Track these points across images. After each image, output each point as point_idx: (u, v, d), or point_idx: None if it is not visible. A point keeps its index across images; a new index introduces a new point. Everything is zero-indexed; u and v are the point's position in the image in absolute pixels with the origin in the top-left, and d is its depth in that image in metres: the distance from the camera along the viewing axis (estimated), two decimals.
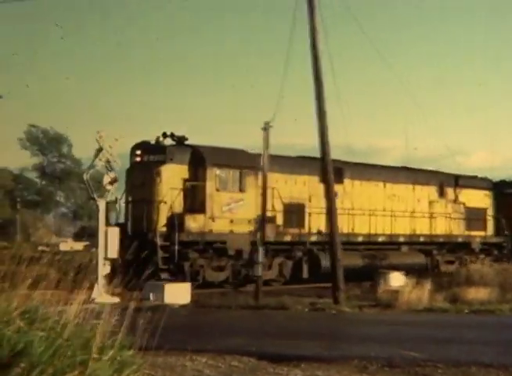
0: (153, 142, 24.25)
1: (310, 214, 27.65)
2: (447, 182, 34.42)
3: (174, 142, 24.67)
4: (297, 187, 27.71)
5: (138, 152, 24.26)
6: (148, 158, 24.19)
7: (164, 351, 9.66)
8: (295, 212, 27.36)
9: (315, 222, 27.64)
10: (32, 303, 6.83)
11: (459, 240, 34.44)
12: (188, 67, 72.75)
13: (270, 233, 25.17)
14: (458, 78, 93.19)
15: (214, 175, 24.69)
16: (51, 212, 72.32)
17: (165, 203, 23.64)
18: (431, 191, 33.55)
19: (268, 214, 25.11)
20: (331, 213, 21.17)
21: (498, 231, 36.63)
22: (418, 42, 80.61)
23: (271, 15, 71.04)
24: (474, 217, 35.39)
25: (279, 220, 26.68)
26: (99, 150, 20.31)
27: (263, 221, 23.23)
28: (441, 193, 33.89)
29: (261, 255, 21.76)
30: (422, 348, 11.99)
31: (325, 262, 26.29)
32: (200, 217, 24.25)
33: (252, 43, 74.40)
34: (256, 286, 21.52)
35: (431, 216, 33.26)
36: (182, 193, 24.16)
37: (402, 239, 31.46)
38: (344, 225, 28.27)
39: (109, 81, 69.76)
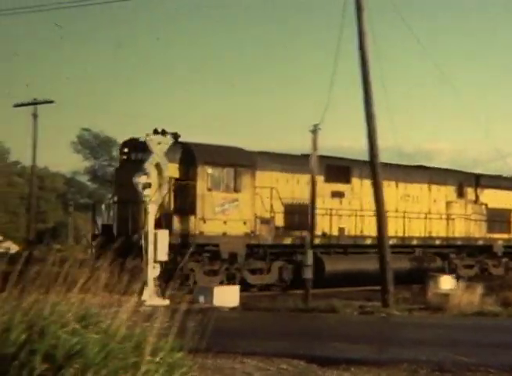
0: (143, 139, 22.11)
1: (314, 215, 25.96)
2: (467, 181, 32.65)
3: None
4: (300, 187, 26.10)
5: (126, 150, 23.13)
6: (136, 156, 22.56)
7: (213, 353, 9.74)
8: (297, 213, 25.66)
9: (320, 224, 26.20)
10: (85, 306, 6.95)
11: (480, 242, 32.60)
12: (234, 70, 73.15)
13: (267, 235, 24.36)
14: (509, 80, 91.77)
15: (205, 174, 23.37)
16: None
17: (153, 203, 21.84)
18: (449, 191, 31.91)
19: (266, 215, 24.35)
20: (380, 216, 21.00)
21: None
22: (468, 43, 79.72)
23: (319, 16, 71.00)
24: (497, 219, 33.55)
25: (279, 221, 25.38)
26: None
27: (312, 223, 23.06)
28: (461, 194, 32.14)
29: (309, 258, 21.70)
30: (473, 352, 11.84)
31: (329, 266, 25.80)
32: (189, 218, 22.96)
33: (302, 44, 74.52)
34: (305, 288, 21.49)
35: (449, 218, 31.57)
36: (171, 193, 22.69)
37: (415, 242, 29.98)
38: (351, 227, 27.67)
39: (154, 85, 70.60)
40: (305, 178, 25.03)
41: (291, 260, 25.69)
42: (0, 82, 61.89)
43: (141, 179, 20.35)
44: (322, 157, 25.05)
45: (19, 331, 5.94)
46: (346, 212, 27.71)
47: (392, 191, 29.03)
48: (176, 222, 22.65)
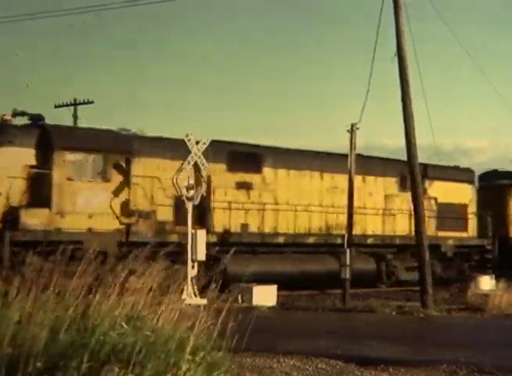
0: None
1: (214, 209, 23.02)
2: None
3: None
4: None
5: None
6: None
7: (251, 352, 9.83)
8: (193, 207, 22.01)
9: (219, 220, 23.06)
10: (131, 306, 7.08)
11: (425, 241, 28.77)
12: (268, 70, 73.26)
13: (146, 231, 21.22)
14: None
15: (62, 161, 20.29)
16: None
17: (0, 194, 19.55)
18: (389, 183, 28.09)
19: (146, 208, 21.43)
20: (417, 214, 20.87)
21: (483, 232, 30.69)
22: (505, 39, 78.86)
23: (357, 15, 70.77)
24: (449, 215, 29.44)
25: (164, 216, 21.95)
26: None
27: (350, 223, 22.97)
28: (403, 186, 27.59)
29: (348, 257, 21.66)
30: None
31: (231, 266, 21.55)
32: (42, 212, 19.85)
33: (340, 43, 74.36)
34: (343, 288, 21.47)
35: (389, 213, 27.80)
36: (24, 183, 19.91)
37: (341, 240, 24.41)
38: (262, 223, 24.17)
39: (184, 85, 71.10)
40: None
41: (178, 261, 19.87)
42: (43, 84, 62.70)
43: (184, 181, 20.28)
44: (222, 143, 23.06)
45: (69, 331, 6.08)
46: (254, 206, 24.21)
47: (316, 182, 25.83)
48: (25, 217, 19.54)
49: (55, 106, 43.14)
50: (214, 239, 22.50)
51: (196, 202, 21.00)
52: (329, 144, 42.80)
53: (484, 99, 76.74)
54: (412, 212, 25.91)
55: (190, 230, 20.33)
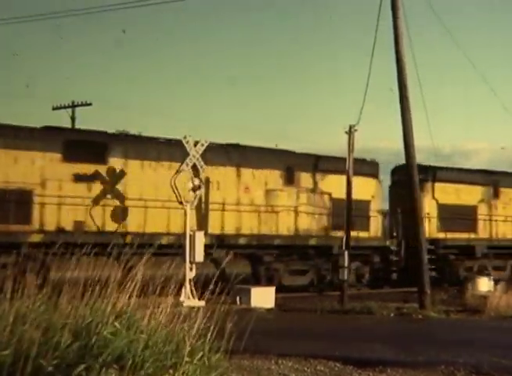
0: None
1: (42, 204, 20.39)
2: (300, 164, 25.55)
3: None
4: (20, 167, 20.13)
5: None
6: None
7: (249, 354, 9.82)
8: (13, 202, 19.88)
9: (52, 216, 20.49)
10: (122, 306, 7.07)
11: (312, 242, 25.35)
12: (273, 71, 73.26)
13: None
14: None
15: None
16: None
17: None
18: (271, 177, 24.88)
19: None
20: (417, 216, 20.86)
21: (390, 231, 28.21)
22: (505, 42, 78.91)
23: (355, 16, 70.80)
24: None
25: None
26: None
27: (348, 225, 22.98)
28: (289, 180, 25.16)
29: (346, 259, 21.67)
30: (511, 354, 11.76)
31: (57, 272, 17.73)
32: None
33: (338, 44, 74.37)
34: (341, 290, 21.50)
35: (271, 210, 24.72)
36: None
37: (210, 240, 22.30)
38: (103, 221, 21.38)
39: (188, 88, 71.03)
40: (30, 155, 20.15)
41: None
42: (41, 85, 62.69)
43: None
44: (56, 130, 21.50)
45: (63, 332, 6.07)
46: (96, 201, 21.40)
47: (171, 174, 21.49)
48: None
49: (53, 108, 43.18)
50: (37, 239, 19.71)
51: (195, 204, 21.07)
52: (331, 147, 42.79)
53: (482, 101, 76.79)
54: (300, 209, 25.04)
55: (188, 232, 20.31)
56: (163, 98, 69.75)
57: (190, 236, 20.24)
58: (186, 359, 6.35)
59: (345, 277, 21.51)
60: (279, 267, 24.70)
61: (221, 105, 70.05)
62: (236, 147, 24.50)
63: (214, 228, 23.33)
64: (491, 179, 31.75)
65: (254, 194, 24.51)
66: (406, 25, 20.14)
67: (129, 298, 7.35)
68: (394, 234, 27.91)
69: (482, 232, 31.23)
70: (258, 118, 71.46)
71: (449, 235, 29.61)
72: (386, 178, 30.06)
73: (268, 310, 19.08)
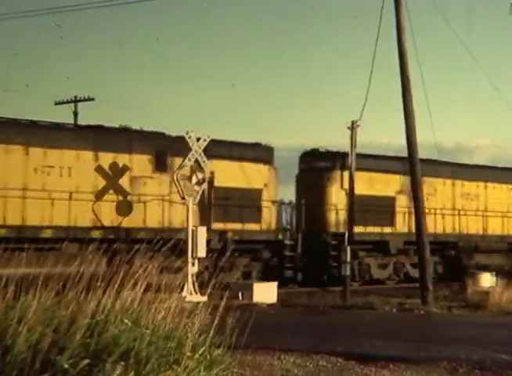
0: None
1: None
2: (173, 149, 22.44)
3: None
4: None
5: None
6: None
7: (252, 349, 9.82)
8: None
9: None
10: (130, 302, 7.07)
11: (181, 235, 20.27)
12: (276, 69, 73.09)
13: None
14: None
15: None
16: None
17: None
18: (138, 162, 22.21)
19: None
20: (418, 212, 20.83)
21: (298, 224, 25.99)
22: (505, 37, 78.65)
23: (357, 11, 70.62)
24: (233, 202, 23.78)
25: None
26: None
27: (350, 220, 23.00)
28: (160, 166, 22.52)
29: (348, 254, 21.69)
30: None
31: None
32: None
33: (340, 42, 74.17)
34: (343, 285, 21.52)
35: (137, 200, 21.98)
36: None
37: (50, 233, 19.80)
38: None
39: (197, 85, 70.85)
40: None
41: None
42: (41, 81, 62.64)
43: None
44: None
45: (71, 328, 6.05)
46: None
47: (26, 160, 20.01)
48: None
49: (56, 103, 43.16)
50: None
51: (197, 199, 21.05)
52: (331, 142, 42.78)
53: (485, 97, 76.70)
54: (170, 197, 21.94)
55: (191, 227, 20.31)
56: (164, 94, 69.71)
57: (192, 231, 20.25)
58: (188, 354, 6.35)
59: (347, 272, 21.53)
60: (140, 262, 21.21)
61: (221, 103, 70.03)
62: (90, 129, 21.94)
63: (63, 220, 20.53)
64: None
65: (115, 181, 21.72)
66: (409, 19, 20.12)
67: (135, 294, 7.34)
68: (288, 227, 25.62)
69: (400, 226, 28.23)
70: (255, 115, 71.40)
71: (360, 229, 26.36)
72: None
73: (270, 305, 19.09)
